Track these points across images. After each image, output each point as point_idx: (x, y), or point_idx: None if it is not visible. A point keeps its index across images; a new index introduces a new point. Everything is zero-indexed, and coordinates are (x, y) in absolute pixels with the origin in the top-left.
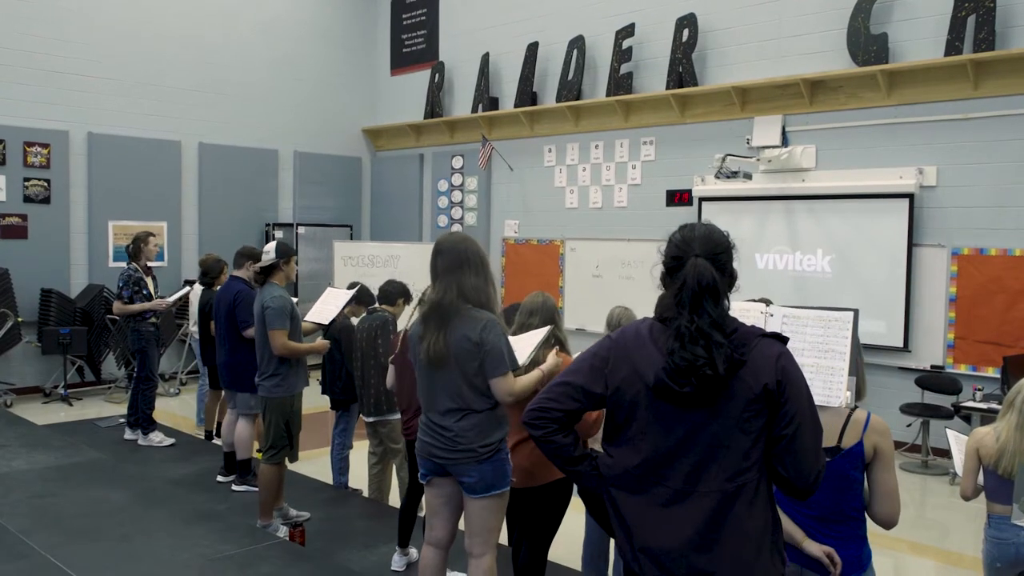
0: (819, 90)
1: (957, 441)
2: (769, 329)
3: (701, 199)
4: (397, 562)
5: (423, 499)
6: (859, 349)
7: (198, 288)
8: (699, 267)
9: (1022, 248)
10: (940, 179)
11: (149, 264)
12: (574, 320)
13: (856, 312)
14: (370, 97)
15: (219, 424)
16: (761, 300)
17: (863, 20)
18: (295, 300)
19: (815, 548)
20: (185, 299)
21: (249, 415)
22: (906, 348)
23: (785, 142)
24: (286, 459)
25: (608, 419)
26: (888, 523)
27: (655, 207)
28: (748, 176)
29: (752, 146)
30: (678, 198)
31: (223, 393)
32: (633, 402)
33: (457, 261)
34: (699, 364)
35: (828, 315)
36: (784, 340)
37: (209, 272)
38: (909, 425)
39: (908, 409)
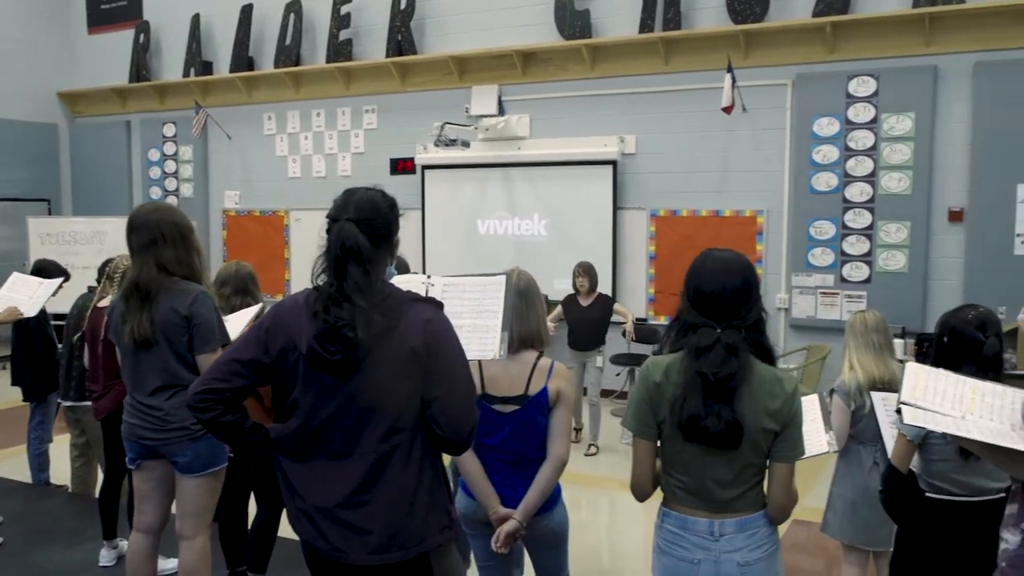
0: (531, 62)
1: None
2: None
3: (424, 167)
4: (105, 556)
5: (126, 485)
6: (541, 304)
7: None
8: (343, 231)
9: (708, 209)
10: (639, 147)
11: None
12: None
13: (508, 276)
14: (65, 58)
15: None
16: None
17: None
18: None
19: (499, 522)
20: None
21: None
22: (615, 300)
23: (502, 111)
24: None
25: (274, 387)
26: (561, 461)
27: (379, 176)
28: (466, 144)
29: (471, 115)
30: (401, 166)
31: None
32: (292, 371)
33: (151, 235)
34: (340, 326)
35: (484, 280)
36: (438, 305)
37: None
38: (618, 374)
39: (617, 359)
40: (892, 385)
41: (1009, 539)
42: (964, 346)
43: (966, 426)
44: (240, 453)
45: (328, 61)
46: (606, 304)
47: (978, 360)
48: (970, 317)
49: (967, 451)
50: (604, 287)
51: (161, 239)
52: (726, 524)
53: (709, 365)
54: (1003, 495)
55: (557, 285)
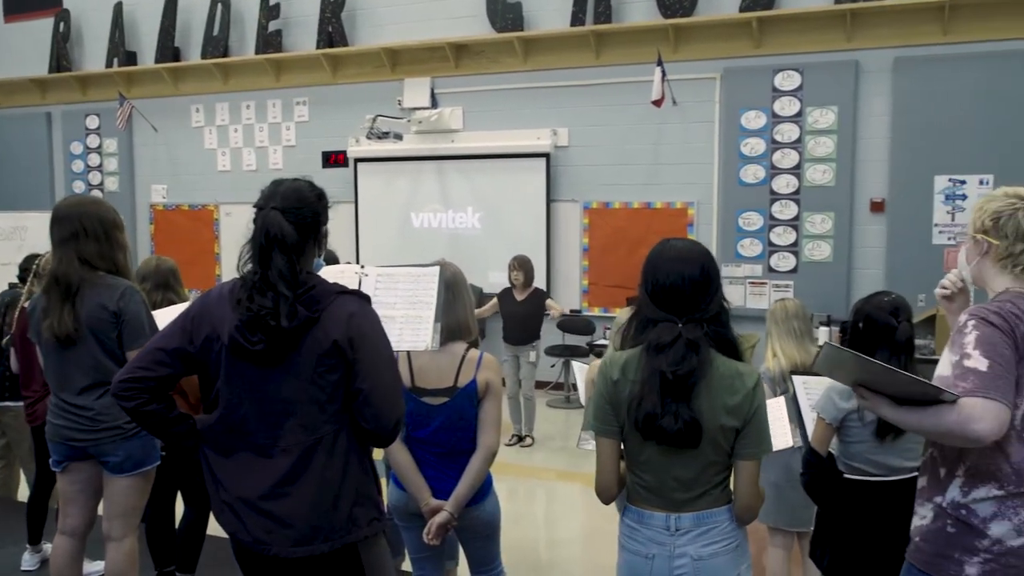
0: (464, 54)
1: (580, 371)
2: (365, 287)
3: (357, 160)
4: (28, 561)
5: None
6: (469, 296)
7: None
8: (268, 219)
9: (640, 201)
10: (571, 140)
11: None
12: None
13: (442, 267)
14: None
15: None
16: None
17: None
18: None
19: (430, 514)
20: None
21: None
22: (549, 295)
23: (434, 103)
24: None
25: (200, 378)
26: (491, 452)
27: (312, 169)
28: (399, 137)
29: (403, 107)
30: (334, 159)
31: None
32: (216, 360)
33: (73, 228)
34: (263, 315)
35: (417, 271)
36: (364, 298)
37: None
38: (553, 365)
39: (551, 351)
40: (812, 370)
41: (922, 513)
42: (878, 331)
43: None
44: (167, 444)
45: (257, 52)
46: (540, 299)
47: (891, 344)
48: (883, 303)
49: (883, 432)
50: (539, 279)
51: (83, 232)
52: (683, 519)
53: (667, 362)
54: (915, 473)
55: (492, 278)
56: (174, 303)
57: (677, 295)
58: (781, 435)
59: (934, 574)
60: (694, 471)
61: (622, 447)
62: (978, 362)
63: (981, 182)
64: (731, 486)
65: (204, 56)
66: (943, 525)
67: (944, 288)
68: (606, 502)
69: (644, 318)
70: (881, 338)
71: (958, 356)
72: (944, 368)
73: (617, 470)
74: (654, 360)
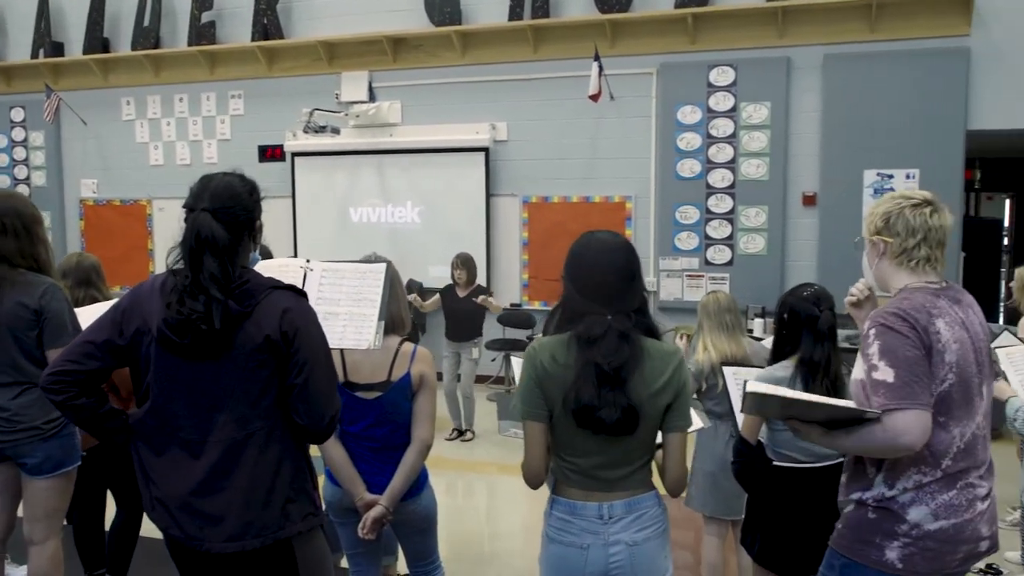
0: (402, 48)
1: (519, 365)
2: (310, 282)
3: (294, 154)
4: None
5: None
6: (402, 290)
7: None
8: (198, 221)
9: (578, 195)
10: (510, 134)
11: None
12: None
13: (389, 263)
14: None
15: None
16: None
17: None
18: None
19: (365, 508)
20: None
21: None
22: (487, 290)
23: (372, 97)
24: None
25: (132, 371)
26: (426, 445)
27: (247, 163)
28: (336, 131)
29: (341, 101)
30: (270, 153)
31: None
32: (147, 354)
33: None
34: (194, 319)
35: (363, 267)
36: (300, 293)
37: None
38: (493, 359)
39: (491, 345)
40: (743, 361)
41: (844, 503)
42: (802, 321)
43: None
44: (99, 440)
45: (190, 44)
46: (481, 295)
47: (815, 332)
48: (806, 294)
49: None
50: (479, 274)
51: (1, 229)
52: (615, 506)
53: (602, 355)
54: (842, 459)
55: (432, 272)
56: (97, 300)
57: (604, 287)
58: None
59: (855, 559)
60: (624, 452)
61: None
62: (885, 373)
63: (908, 176)
64: (653, 467)
65: (135, 47)
66: (864, 512)
67: (852, 295)
68: (534, 487)
69: (571, 310)
70: (805, 327)
71: (867, 367)
72: (859, 372)
73: (545, 455)
74: (587, 351)
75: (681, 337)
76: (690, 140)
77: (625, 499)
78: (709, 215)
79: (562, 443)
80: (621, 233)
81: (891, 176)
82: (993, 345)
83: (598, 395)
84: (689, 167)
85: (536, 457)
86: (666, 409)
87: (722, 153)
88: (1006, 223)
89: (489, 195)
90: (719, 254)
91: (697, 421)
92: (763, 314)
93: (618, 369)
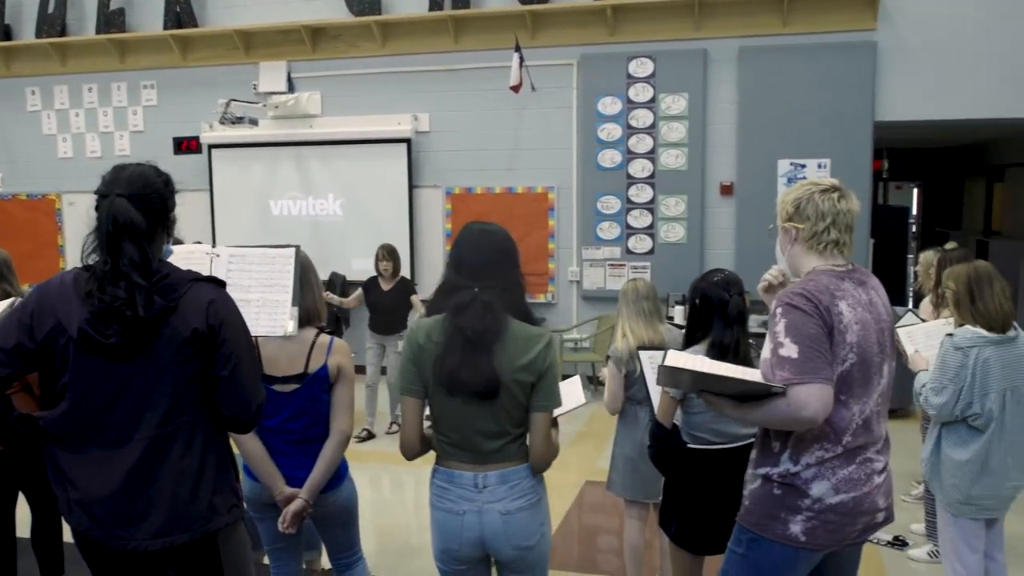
0: (321, 38)
1: None
2: (217, 269)
3: (210, 146)
4: None
5: None
6: (317, 280)
7: None
8: (115, 206)
9: (501, 186)
10: (432, 125)
11: None
12: None
13: (297, 247)
14: None
15: None
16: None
17: None
18: None
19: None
20: None
21: None
22: (415, 284)
23: (291, 88)
24: None
25: (42, 373)
26: (345, 436)
27: (162, 155)
28: (254, 122)
29: (259, 91)
30: (185, 145)
31: None
32: (63, 356)
33: None
34: (118, 305)
35: (272, 252)
36: (221, 284)
37: None
38: None
39: None
40: (660, 347)
41: (750, 479)
42: (712, 306)
43: (706, 364)
44: (6, 446)
45: (99, 32)
46: (407, 288)
47: (725, 316)
48: (716, 280)
49: None
50: (403, 266)
51: None
52: (489, 476)
53: (467, 320)
54: (753, 439)
55: (356, 265)
56: (9, 295)
57: (477, 268)
58: (574, 397)
59: (762, 534)
60: (496, 424)
61: (427, 409)
62: (790, 349)
63: (819, 166)
64: (527, 443)
65: (39, 35)
66: (770, 488)
67: (765, 281)
68: (409, 458)
69: (448, 286)
70: (715, 311)
71: (773, 345)
72: (767, 351)
73: (420, 428)
74: (455, 319)
75: (606, 360)
76: (611, 131)
77: (499, 470)
78: (630, 205)
79: (438, 416)
80: (544, 224)
81: (804, 166)
82: (896, 326)
83: (461, 359)
84: (610, 157)
85: (412, 430)
86: (531, 388)
87: (642, 143)
88: (914, 211)
89: (412, 187)
90: (640, 243)
91: (579, 397)
92: (684, 301)
93: (480, 333)
